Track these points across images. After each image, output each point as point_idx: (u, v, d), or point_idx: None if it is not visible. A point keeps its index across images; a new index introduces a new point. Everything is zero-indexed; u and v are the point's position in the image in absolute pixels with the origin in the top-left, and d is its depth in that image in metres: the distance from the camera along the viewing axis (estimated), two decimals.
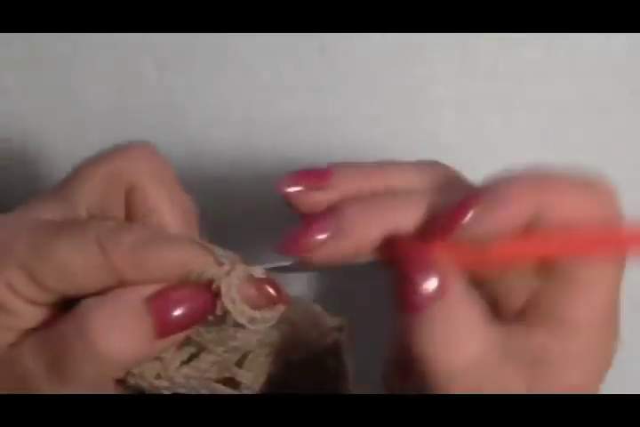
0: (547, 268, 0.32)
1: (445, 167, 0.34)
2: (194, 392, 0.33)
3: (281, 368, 0.35)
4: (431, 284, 0.30)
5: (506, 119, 0.47)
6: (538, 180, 0.31)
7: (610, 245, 0.31)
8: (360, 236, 0.31)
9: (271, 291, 0.31)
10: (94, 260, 0.30)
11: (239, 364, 0.34)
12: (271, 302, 0.31)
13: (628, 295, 0.48)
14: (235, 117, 0.48)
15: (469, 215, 0.30)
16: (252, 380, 0.34)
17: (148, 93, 0.48)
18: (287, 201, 0.32)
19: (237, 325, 0.31)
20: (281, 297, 0.31)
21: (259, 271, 0.31)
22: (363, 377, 0.35)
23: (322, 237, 0.31)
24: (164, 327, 0.30)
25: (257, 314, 0.31)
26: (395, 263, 0.30)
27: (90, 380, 0.30)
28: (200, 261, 0.31)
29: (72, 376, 0.30)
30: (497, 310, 0.33)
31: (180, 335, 0.31)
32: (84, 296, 0.31)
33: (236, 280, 0.31)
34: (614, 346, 0.32)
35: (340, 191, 0.32)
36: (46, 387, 0.30)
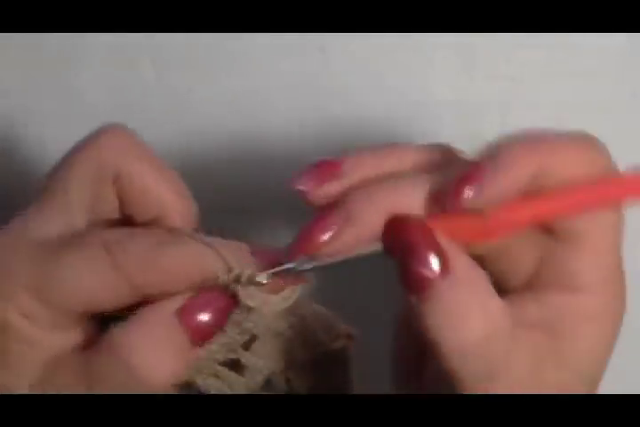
0: (547, 231, 0.32)
1: (447, 147, 0.34)
2: (198, 378, 0.33)
3: (285, 368, 0.35)
4: (434, 262, 0.30)
5: (506, 119, 0.47)
6: (532, 142, 0.31)
7: (607, 196, 0.31)
8: (367, 223, 0.31)
9: (281, 281, 0.32)
10: (104, 270, 0.30)
11: (246, 347, 0.34)
12: (283, 288, 0.32)
13: (628, 296, 0.48)
14: (235, 117, 0.48)
15: (472, 187, 0.30)
16: (256, 364, 0.34)
17: (148, 93, 0.48)
18: (301, 197, 0.32)
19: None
20: (291, 280, 0.32)
21: (263, 277, 0.32)
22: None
23: (331, 231, 0.31)
24: (199, 336, 0.31)
25: (272, 298, 0.32)
26: (397, 245, 0.30)
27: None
28: (210, 263, 0.31)
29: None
30: (505, 283, 0.33)
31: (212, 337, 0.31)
32: (108, 313, 0.31)
33: (246, 283, 0.31)
34: (623, 302, 0.33)
35: (350, 180, 0.32)
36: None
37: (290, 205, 0.34)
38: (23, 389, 0.31)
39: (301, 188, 0.32)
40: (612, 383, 0.37)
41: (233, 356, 0.34)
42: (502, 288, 0.33)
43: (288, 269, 0.32)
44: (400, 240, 0.30)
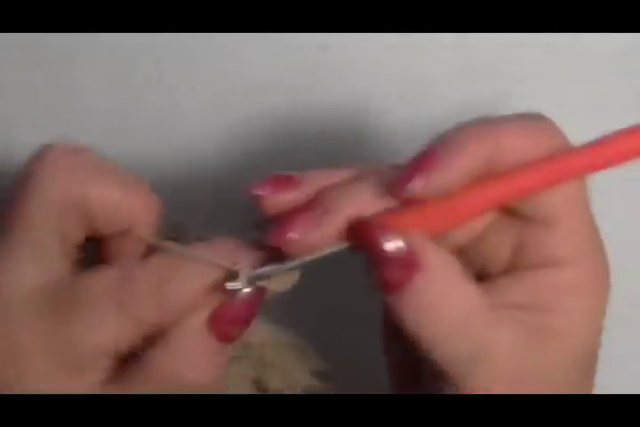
0: (517, 215, 0.32)
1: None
2: None
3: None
4: (403, 263, 0.30)
5: None
6: (485, 126, 0.31)
7: (566, 170, 0.31)
8: (344, 217, 0.31)
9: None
10: (120, 322, 0.31)
11: None
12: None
13: (629, 295, 0.48)
14: (235, 117, 0.48)
15: (422, 174, 0.30)
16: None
17: (148, 93, 0.48)
18: (256, 204, 0.33)
19: None
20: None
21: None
22: None
23: (309, 226, 0.31)
24: (229, 339, 0.31)
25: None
26: (366, 250, 0.30)
27: None
28: (216, 276, 0.31)
29: None
30: (486, 270, 0.33)
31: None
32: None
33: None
34: (606, 272, 0.33)
35: (306, 193, 0.32)
36: None
37: None
38: None
39: (258, 193, 0.32)
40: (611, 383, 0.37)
41: None
42: (484, 275, 0.33)
43: (277, 268, 0.32)
44: (367, 246, 0.30)
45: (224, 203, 0.48)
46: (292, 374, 0.36)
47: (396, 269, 0.30)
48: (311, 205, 0.31)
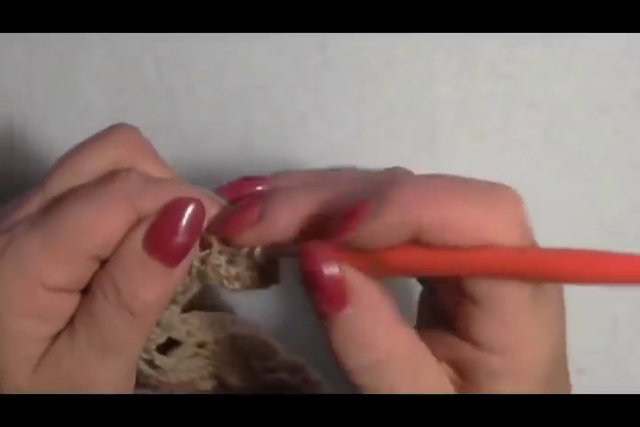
0: (459, 283, 0.31)
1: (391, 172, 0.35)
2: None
3: (216, 388, 0.35)
4: (335, 295, 0.30)
5: (505, 119, 0.47)
6: (426, 190, 0.30)
7: (522, 269, 0.29)
8: (277, 224, 0.32)
9: None
10: (105, 197, 0.31)
11: (163, 350, 0.34)
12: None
13: (628, 296, 0.48)
14: (235, 118, 0.48)
15: (356, 222, 0.30)
16: (168, 364, 0.34)
17: (148, 93, 0.48)
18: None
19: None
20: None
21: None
22: None
23: (248, 221, 0.32)
24: (173, 256, 0.31)
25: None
26: (303, 273, 0.31)
27: (136, 345, 0.32)
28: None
29: (119, 347, 0.31)
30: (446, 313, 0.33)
31: (192, 252, 0.32)
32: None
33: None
34: (547, 361, 0.31)
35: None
36: (100, 366, 0.31)
37: None
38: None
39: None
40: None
41: (147, 356, 0.34)
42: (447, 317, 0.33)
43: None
44: (305, 270, 0.30)
45: None
46: (250, 370, 0.36)
47: (323, 305, 0.30)
48: (254, 206, 0.32)
